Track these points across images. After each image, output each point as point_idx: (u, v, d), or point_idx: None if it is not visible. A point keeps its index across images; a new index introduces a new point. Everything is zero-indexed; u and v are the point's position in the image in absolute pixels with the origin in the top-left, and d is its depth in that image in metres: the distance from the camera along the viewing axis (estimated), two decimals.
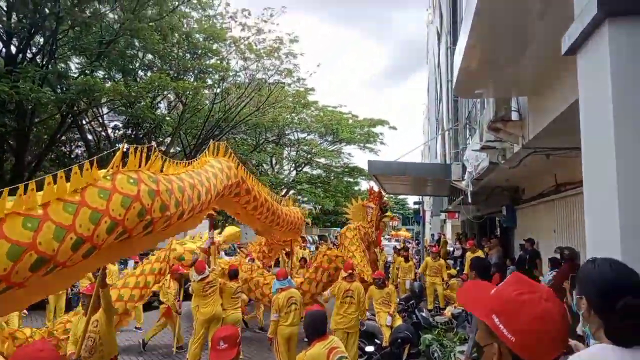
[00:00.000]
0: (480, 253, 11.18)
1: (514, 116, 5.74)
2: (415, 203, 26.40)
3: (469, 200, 9.58)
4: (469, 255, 11.10)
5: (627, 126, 2.07)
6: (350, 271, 7.11)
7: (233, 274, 7.50)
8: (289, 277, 6.69)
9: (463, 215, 18.96)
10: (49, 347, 1.85)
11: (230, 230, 10.18)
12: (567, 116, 4.18)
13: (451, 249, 16.79)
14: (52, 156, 21.81)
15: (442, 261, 11.92)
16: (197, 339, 6.62)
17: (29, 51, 16.63)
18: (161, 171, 3.86)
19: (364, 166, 31.61)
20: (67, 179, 3.06)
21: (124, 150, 3.49)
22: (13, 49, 16.02)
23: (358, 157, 74.53)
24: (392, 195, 40.36)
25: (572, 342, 1.80)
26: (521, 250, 10.12)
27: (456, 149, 12.46)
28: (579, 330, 1.66)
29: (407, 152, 61.10)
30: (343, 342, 6.27)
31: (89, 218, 3.02)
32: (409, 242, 29.80)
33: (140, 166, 3.57)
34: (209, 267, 6.90)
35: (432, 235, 24.12)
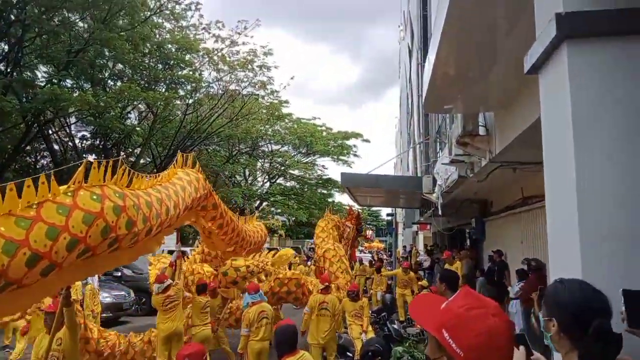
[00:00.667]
0: (458, 264, 11.35)
1: (481, 131, 5.91)
2: (388, 215, 26.70)
3: (440, 212, 9.76)
4: (447, 267, 11.27)
5: (586, 144, 2.14)
6: (327, 284, 7.11)
7: (201, 288, 7.30)
8: (261, 291, 6.59)
9: (434, 227, 19.26)
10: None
11: (284, 252, 9.68)
12: (532, 132, 4.32)
13: (421, 259, 17.00)
14: (16, 166, 21.03)
15: (412, 274, 12.05)
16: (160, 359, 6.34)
17: None
18: (128, 185, 3.73)
19: (338, 178, 31.79)
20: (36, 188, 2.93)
21: (89, 163, 3.36)
22: None
23: (332, 169, 74.95)
24: (365, 207, 40.63)
25: (536, 355, 1.82)
26: (490, 261, 10.33)
27: (427, 162, 12.69)
28: (546, 341, 1.67)
29: (380, 165, 62.06)
30: (318, 358, 6.22)
31: (45, 234, 2.86)
32: (382, 254, 29.99)
33: (105, 180, 3.43)
34: (174, 280, 6.66)
35: (405, 247, 24.36)
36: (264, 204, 36.94)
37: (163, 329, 6.32)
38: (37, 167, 24.02)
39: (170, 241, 7.73)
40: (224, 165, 28.00)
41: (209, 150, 28.18)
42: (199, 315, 7.03)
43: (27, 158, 22.77)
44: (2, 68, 16.24)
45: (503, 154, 5.69)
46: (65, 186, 3.15)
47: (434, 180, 10.19)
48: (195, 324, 6.95)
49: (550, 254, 2.52)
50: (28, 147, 20.22)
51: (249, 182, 35.77)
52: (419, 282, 12.10)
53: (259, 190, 34.45)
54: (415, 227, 26.89)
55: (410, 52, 18.66)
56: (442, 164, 8.63)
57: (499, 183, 8.08)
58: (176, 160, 5.60)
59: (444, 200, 9.83)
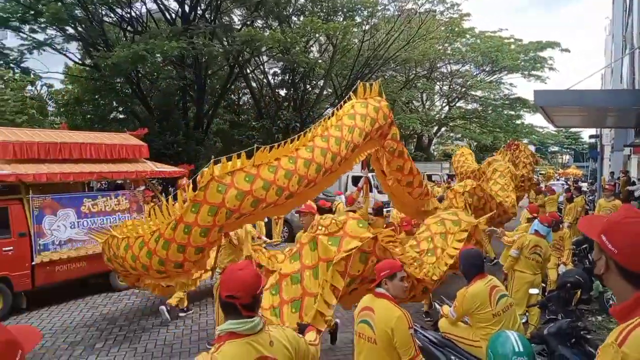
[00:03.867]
0: None
1: None
2: (591, 137, 23.11)
3: None
4: None
5: None
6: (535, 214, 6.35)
7: (379, 211, 7.52)
8: (548, 226, 5.68)
9: None
10: (250, 266, 2.07)
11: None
12: None
13: (636, 188, 14.41)
14: (224, 104, 24.52)
15: (617, 202, 10.21)
16: None
17: (199, 8, 18.44)
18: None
19: (529, 96, 28.44)
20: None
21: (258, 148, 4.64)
22: (187, 8, 17.95)
23: (521, 87, 66.81)
24: (562, 129, 35.85)
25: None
26: None
27: None
28: None
29: (584, 79, 52.77)
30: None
31: (284, 175, 4.69)
32: (581, 181, 26.34)
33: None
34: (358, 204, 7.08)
35: (612, 173, 20.93)
36: (443, 129, 35.71)
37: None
38: (240, 103, 27.59)
39: (357, 167, 8.17)
40: (401, 92, 27.66)
41: (386, 76, 28.05)
42: None
43: (232, 96, 26.23)
44: (207, 16, 18.59)
45: None
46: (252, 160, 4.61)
47: None
48: None
49: None
50: (232, 87, 23.19)
51: (427, 107, 34.77)
52: None
53: (437, 115, 33.31)
54: (627, 150, 22.78)
55: None
56: None
57: None
58: (355, 90, 5.64)
59: None
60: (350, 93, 5.83)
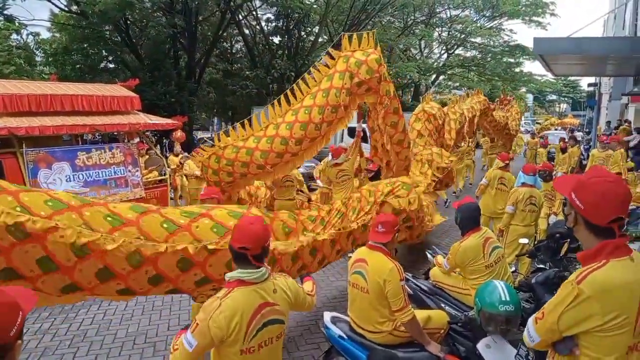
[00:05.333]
0: None
1: None
2: (589, 85, 22.84)
3: None
4: None
5: None
6: (506, 162, 6.77)
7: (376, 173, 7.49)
8: (533, 175, 5.89)
9: None
10: (260, 220, 2.25)
11: None
12: None
13: (632, 139, 14.39)
14: (216, 52, 23.86)
15: (610, 152, 10.13)
16: None
17: None
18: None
19: (529, 44, 27.72)
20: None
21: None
22: None
23: (522, 33, 64.71)
24: (561, 78, 35.34)
25: None
26: None
27: None
28: None
29: (585, 25, 51.38)
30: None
31: (300, 127, 5.12)
32: (577, 130, 26.15)
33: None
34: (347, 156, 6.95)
35: (608, 122, 20.82)
36: (441, 77, 35.06)
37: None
38: (233, 51, 26.87)
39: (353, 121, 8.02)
40: (398, 39, 26.90)
41: (383, 22, 27.17)
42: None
43: (224, 44, 25.49)
44: None
45: None
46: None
47: None
48: None
49: None
50: (224, 34, 22.48)
51: (425, 54, 33.95)
52: (623, 163, 10.36)
53: (435, 63, 32.59)
54: (624, 99, 22.61)
55: None
56: None
57: None
58: (335, 46, 5.39)
59: None
60: (329, 49, 5.61)
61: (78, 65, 18.87)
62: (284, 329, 2.24)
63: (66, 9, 18.55)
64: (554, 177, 7.14)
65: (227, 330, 2.01)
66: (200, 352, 2.04)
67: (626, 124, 15.52)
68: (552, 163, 10.98)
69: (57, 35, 20.18)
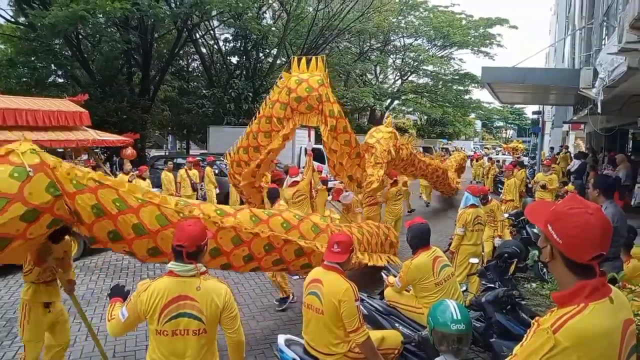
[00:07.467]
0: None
1: None
2: (534, 113, 24.20)
3: (599, 110, 8.49)
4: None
5: None
6: (484, 194, 6.73)
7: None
8: (479, 197, 6.08)
9: (590, 127, 17.02)
10: (199, 222, 2.60)
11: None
12: None
13: (571, 167, 15.31)
14: (172, 70, 23.48)
15: (553, 176, 10.82)
16: None
17: None
18: None
19: (477, 72, 29.17)
20: None
21: None
22: None
23: (470, 62, 68.65)
24: (507, 105, 37.30)
25: None
26: None
27: (588, 52, 10.85)
28: None
29: (529, 57, 54.95)
30: None
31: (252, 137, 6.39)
32: (523, 156, 27.45)
33: None
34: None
35: (552, 148, 22.07)
36: (395, 102, 36.13)
37: None
38: (190, 69, 26.56)
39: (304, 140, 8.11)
40: (355, 64, 27.59)
41: (340, 47, 27.82)
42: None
43: (181, 61, 25.15)
44: None
45: None
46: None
47: (595, 73, 8.74)
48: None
49: None
50: (181, 52, 22.21)
51: (380, 80, 34.95)
52: (559, 186, 10.96)
53: (390, 89, 33.60)
54: (566, 127, 24.11)
55: None
56: (608, 53, 7.27)
57: None
58: (287, 69, 5.62)
59: (605, 96, 8.47)
60: (283, 72, 6.32)
61: (24, 79, 18.00)
62: (204, 329, 2.39)
63: (13, 20, 17.77)
64: (489, 199, 7.19)
65: (146, 306, 2.34)
66: (131, 323, 2.43)
67: (565, 150, 16.51)
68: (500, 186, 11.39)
69: (2, 46, 19.22)
